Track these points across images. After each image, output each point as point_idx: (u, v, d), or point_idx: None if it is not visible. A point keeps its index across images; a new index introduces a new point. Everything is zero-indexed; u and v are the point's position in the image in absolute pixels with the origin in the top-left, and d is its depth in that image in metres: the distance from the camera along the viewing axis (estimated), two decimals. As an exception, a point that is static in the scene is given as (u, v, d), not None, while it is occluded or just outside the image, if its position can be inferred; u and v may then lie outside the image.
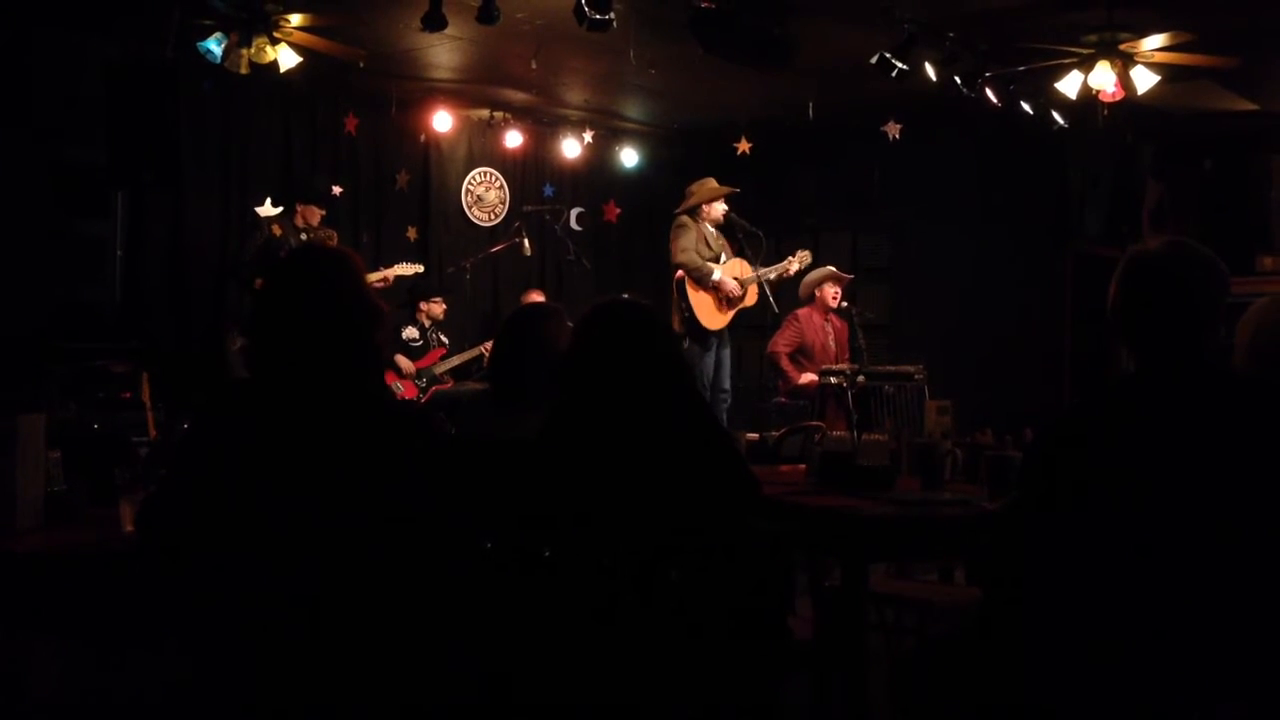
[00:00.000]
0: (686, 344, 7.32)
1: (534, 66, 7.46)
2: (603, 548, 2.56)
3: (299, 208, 7.74)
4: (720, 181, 7.71)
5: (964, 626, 2.60)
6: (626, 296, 3.02)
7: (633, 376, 2.71)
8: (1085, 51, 6.67)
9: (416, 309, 8.33)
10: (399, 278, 8.07)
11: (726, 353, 7.64)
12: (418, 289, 8.34)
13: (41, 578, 2.72)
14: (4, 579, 2.71)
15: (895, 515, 3.19)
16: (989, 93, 7.33)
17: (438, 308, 8.39)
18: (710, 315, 7.42)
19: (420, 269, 8.32)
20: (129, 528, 2.85)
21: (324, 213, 7.91)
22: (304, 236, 7.68)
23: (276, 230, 7.57)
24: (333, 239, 7.89)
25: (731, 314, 7.48)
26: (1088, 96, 6.87)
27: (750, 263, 7.47)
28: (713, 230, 7.62)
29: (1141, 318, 2.35)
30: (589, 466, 2.65)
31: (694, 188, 7.68)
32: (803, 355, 7.65)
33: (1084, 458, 2.29)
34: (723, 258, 7.56)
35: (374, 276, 7.97)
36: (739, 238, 7.60)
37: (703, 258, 7.46)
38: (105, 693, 2.73)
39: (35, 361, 6.06)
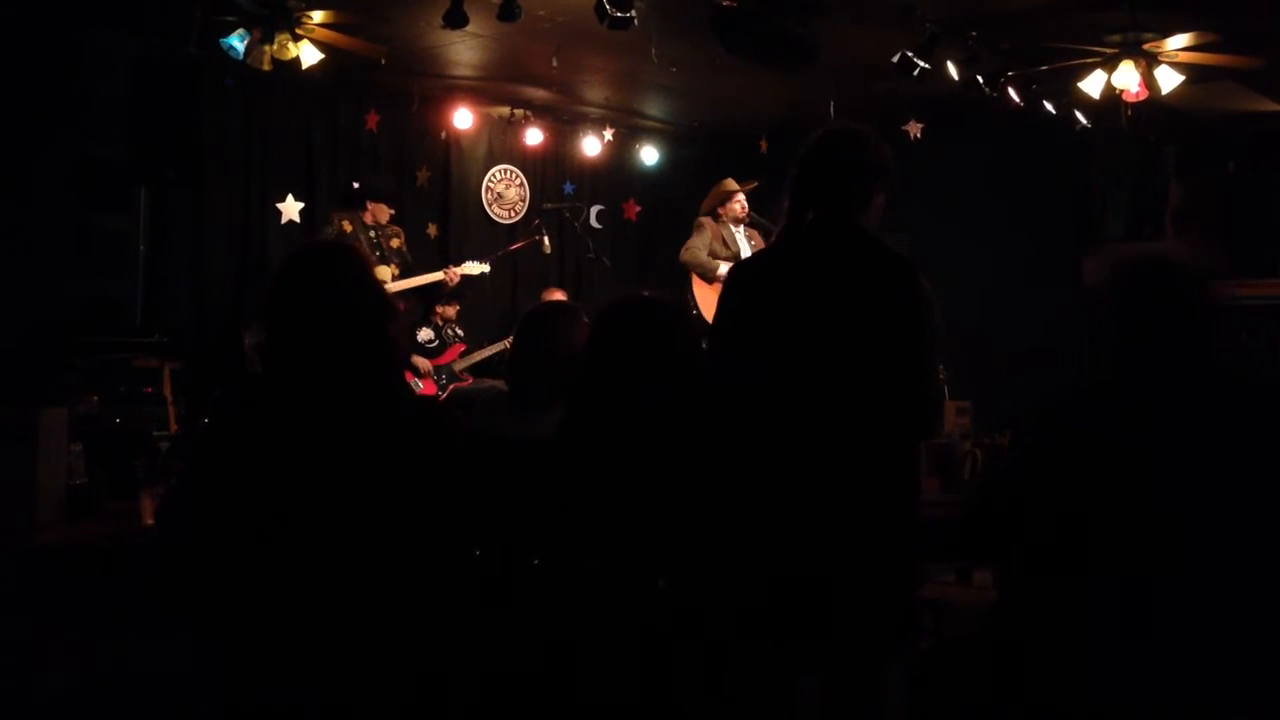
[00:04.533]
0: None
1: (555, 64, 7.45)
2: (599, 553, 2.55)
3: (369, 205, 7.80)
4: (740, 180, 7.69)
5: (980, 627, 2.59)
6: (647, 294, 3.00)
7: (642, 377, 2.70)
8: (1109, 51, 6.63)
9: (431, 310, 8.34)
10: (465, 276, 8.14)
11: None
12: (431, 293, 8.36)
13: (61, 570, 2.73)
14: (24, 571, 2.73)
15: (917, 515, 3.17)
16: (1011, 92, 7.29)
17: (451, 309, 8.40)
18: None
19: (487, 269, 8.34)
20: (149, 521, 2.87)
21: (393, 211, 7.97)
22: (372, 234, 7.75)
23: (347, 226, 7.65)
24: (400, 237, 7.95)
25: None
26: (1111, 97, 6.83)
27: None
28: (735, 230, 7.58)
29: (1142, 318, 2.35)
30: (595, 470, 2.64)
31: (713, 190, 7.68)
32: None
33: (1074, 451, 2.31)
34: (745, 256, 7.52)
35: (437, 275, 8.02)
36: (761, 236, 7.57)
37: (719, 257, 7.44)
38: (122, 685, 2.74)
39: (57, 355, 6.10)
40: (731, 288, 3.04)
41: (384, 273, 7.78)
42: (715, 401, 2.75)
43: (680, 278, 7.61)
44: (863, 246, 2.90)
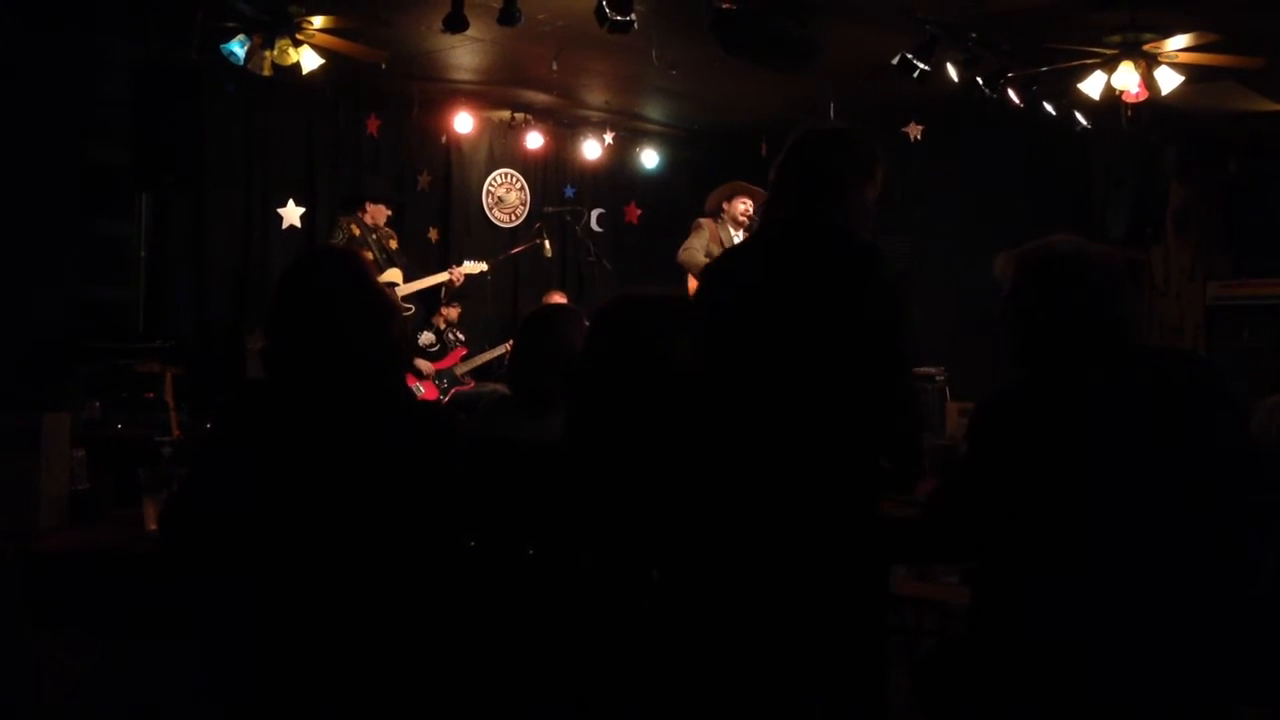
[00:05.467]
0: None
1: (555, 68, 7.47)
2: (595, 552, 2.55)
3: (369, 207, 7.85)
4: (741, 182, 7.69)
5: (972, 626, 2.59)
6: (650, 291, 2.98)
7: (637, 376, 2.69)
8: (1109, 52, 6.63)
9: (434, 313, 8.36)
10: (468, 275, 8.23)
11: None
12: (432, 296, 8.40)
13: (64, 576, 2.73)
14: (27, 577, 2.73)
15: (916, 517, 3.17)
16: (1011, 93, 7.29)
17: (454, 312, 8.43)
18: None
19: (485, 266, 8.39)
20: (152, 527, 2.88)
21: (391, 213, 8.02)
22: (374, 237, 7.79)
23: (355, 230, 7.70)
24: (395, 239, 8.00)
25: None
26: (1111, 97, 6.83)
27: None
28: (735, 232, 7.59)
29: (1047, 305, 2.44)
30: (592, 468, 2.64)
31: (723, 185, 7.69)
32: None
33: (1024, 441, 2.35)
34: None
35: (443, 276, 8.08)
36: None
37: (701, 257, 7.44)
38: (124, 690, 2.74)
39: (60, 361, 6.10)
40: (699, 288, 3.03)
41: (395, 275, 7.81)
42: (688, 401, 2.74)
43: (680, 279, 7.60)
44: (818, 240, 2.80)
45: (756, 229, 3.00)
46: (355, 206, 7.93)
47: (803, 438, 2.67)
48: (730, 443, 2.69)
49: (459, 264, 8.36)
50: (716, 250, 7.49)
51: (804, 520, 2.65)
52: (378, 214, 7.90)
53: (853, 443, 2.70)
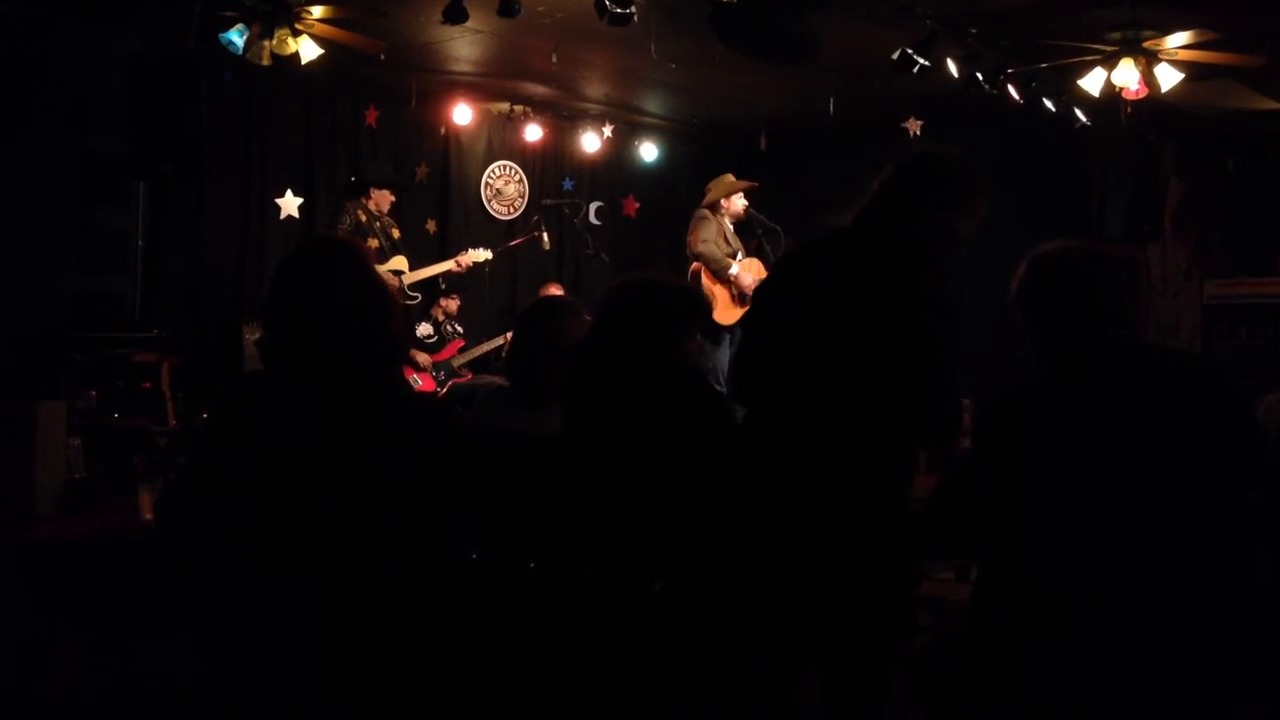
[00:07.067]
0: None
1: (554, 60, 7.46)
2: (595, 554, 2.55)
3: (374, 193, 7.85)
4: (739, 177, 7.70)
5: (968, 623, 2.60)
6: (656, 279, 2.98)
7: (636, 369, 2.69)
8: (1109, 49, 6.62)
9: (433, 304, 8.36)
10: (473, 264, 8.25)
11: None
12: (431, 288, 8.40)
13: (61, 565, 2.73)
14: (24, 565, 2.73)
15: (916, 515, 3.17)
16: (1011, 90, 7.29)
17: (453, 304, 8.43)
18: (723, 310, 7.39)
19: (490, 254, 8.39)
20: (148, 516, 2.87)
21: (394, 199, 8.01)
22: (376, 225, 7.78)
23: (362, 216, 7.70)
24: (396, 228, 8.00)
25: (743, 311, 7.44)
26: (1110, 94, 6.83)
27: (767, 262, 7.45)
28: (731, 227, 7.61)
29: (1052, 306, 2.50)
30: (590, 464, 2.64)
31: (713, 184, 7.68)
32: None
33: (1021, 434, 2.39)
34: (739, 255, 7.55)
35: (449, 265, 8.10)
36: (758, 234, 7.58)
37: (720, 252, 7.45)
38: (121, 680, 2.74)
39: (56, 350, 6.09)
40: (769, 280, 3.09)
41: (400, 262, 7.81)
42: (736, 397, 2.77)
43: (683, 274, 7.60)
44: (872, 247, 2.87)
45: (841, 230, 3.00)
46: (360, 192, 7.92)
47: (845, 434, 2.70)
48: (776, 440, 2.71)
49: (462, 252, 8.37)
50: (721, 244, 7.50)
51: (850, 521, 2.69)
52: (382, 200, 7.90)
53: (886, 441, 2.74)
